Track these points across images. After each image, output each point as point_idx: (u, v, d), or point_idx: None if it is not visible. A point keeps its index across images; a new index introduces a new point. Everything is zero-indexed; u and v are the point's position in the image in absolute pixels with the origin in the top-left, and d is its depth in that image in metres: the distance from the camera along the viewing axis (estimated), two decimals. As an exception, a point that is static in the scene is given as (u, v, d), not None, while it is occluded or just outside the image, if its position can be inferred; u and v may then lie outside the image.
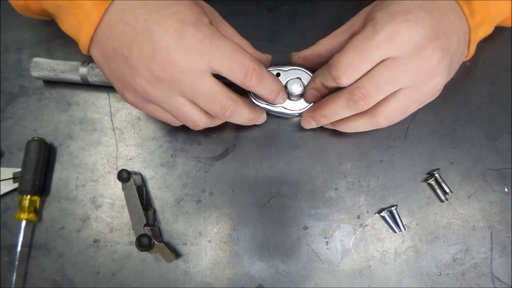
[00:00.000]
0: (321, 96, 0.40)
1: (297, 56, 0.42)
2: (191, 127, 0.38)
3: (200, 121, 0.37)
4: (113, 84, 0.37)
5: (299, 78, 0.41)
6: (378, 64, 0.34)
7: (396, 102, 0.36)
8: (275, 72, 0.41)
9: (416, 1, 0.34)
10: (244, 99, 0.38)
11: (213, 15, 0.39)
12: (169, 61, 0.32)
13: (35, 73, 0.45)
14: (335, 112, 0.38)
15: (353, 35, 0.37)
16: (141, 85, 0.34)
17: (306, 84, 0.41)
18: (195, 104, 0.35)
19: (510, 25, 0.42)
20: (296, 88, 0.40)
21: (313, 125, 0.41)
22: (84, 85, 0.46)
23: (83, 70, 0.45)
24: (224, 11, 0.48)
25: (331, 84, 0.36)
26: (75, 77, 0.45)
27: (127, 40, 0.33)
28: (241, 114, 0.37)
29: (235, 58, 0.34)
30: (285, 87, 0.41)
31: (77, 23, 0.34)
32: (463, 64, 0.47)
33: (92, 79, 0.45)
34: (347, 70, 0.34)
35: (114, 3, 0.33)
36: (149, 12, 0.33)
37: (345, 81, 0.35)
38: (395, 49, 0.33)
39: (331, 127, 0.42)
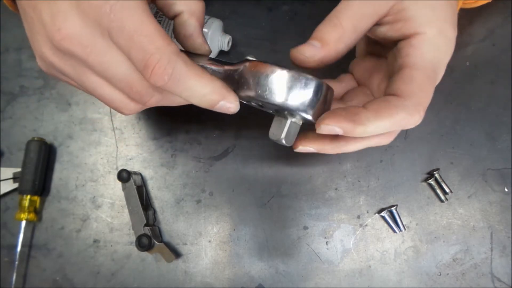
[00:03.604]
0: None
1: (308, 57, 0.30)
2: (119, 112, 0.31)
3: (125, 108, 0.29)
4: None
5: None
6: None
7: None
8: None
9: None
10: (192, 71, 0.26)
11: None
12: (67, 29, 0.25)
13: None
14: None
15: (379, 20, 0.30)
16: (46, 56, 0.27)
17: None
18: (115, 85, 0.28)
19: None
20: None
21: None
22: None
23: None
24: (224, 11, 0.48)
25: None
26: None
27: None
28: (176, 101, 0.30)
29: (134, 39, 0.24)
30: None
31: None
32: (463, 64, 0.48)
33: None
34: None
35: None
36: None
37: None
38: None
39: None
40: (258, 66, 0.28)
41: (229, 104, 0.28)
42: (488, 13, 0.47)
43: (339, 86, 0.37)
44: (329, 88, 0.29)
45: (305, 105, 0.27)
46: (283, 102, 0.27)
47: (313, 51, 0.29)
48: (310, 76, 0.27)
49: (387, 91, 0.30)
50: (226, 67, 0.29)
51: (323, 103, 0.28)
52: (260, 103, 0.29)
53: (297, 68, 0.30)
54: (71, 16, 0.25)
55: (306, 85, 0.27)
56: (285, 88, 0.27)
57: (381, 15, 0.30)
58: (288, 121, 0.30)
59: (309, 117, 0.28)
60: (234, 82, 0.29)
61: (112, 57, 0.26)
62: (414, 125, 0.29)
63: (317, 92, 0.28)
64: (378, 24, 0.31)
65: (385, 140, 0.32)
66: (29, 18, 0.27)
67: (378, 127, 0.28)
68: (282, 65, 0.28)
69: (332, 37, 0.29)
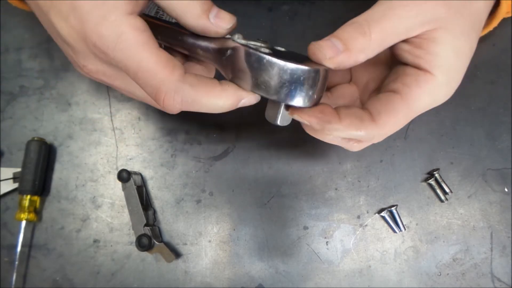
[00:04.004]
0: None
1: (328, 58, 0.28)
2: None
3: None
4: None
5: None
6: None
7: None
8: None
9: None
10: (204, 89, 0.27)
11: None
12: (90, 66, 0.29)
13: None
14: None
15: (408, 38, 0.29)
16: (80, 72, 0.30)
17: None
18: None
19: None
20: None
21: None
22: (84, 84, 0.46)
23: None
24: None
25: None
26: None
27: (46, 9, 0.27)
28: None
29: (139, 76, 0.26)
30: None
31: None
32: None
33: None
34: None
35: None
36: None
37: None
38: None
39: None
40: (243, 57, 0.27)
41: (247, 101, 0.28)
42: (488, 13, 0.47)
43: (334, 74, 0.36)
44: (324, 74, 0.28)
45: (295, 98, 0.27)
46: (272, 96, 0.27)
47: (334, 52, 0.28)
48: (302, 67, 0.26)
49: (367, 104, 0.31)
50: (214, 46, 0.29)
51: (318, 91, 0.28)
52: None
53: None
54: (89, 58, 0.28)
55: (297, 77, 0.27)
56: (275, 82, 0.27)
57: (411, 35, 0.29)
58: (282, 106, 0.29)
59: (302, 106, 0.28)
60: (221, 64, 0.29)
61: (132, 84, 0.29)
62: (367, 145, 0.33)
63: (309, 83, 0.27)
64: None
65: (355, 148, 0.33)
66: (59, 43, 0.30)
67: (342, 135, 0.30)
68: (270, 52, 0.27)
69: (357, 45, 0.28)
